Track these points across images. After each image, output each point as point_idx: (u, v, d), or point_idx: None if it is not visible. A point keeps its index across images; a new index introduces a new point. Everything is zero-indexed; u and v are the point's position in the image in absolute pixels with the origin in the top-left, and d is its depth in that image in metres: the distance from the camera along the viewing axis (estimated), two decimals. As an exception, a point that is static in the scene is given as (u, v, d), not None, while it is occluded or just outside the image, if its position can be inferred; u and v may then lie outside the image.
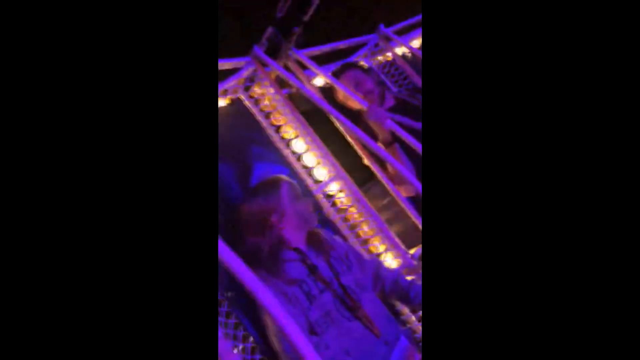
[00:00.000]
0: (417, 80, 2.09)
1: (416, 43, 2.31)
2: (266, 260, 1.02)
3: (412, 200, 1.52)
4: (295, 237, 1.10)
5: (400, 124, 1.47)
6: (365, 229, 1.44)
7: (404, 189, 1.55)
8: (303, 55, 1.63)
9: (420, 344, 1.05)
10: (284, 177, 1.18)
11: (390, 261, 1.37)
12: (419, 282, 1.23)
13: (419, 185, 1.32)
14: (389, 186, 1.52)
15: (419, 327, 1.20)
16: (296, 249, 1.08)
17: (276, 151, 1.46)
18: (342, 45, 1.96)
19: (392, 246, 1.38)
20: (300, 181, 1.43)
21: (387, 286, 1.14)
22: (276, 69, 1.54)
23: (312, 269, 1.05)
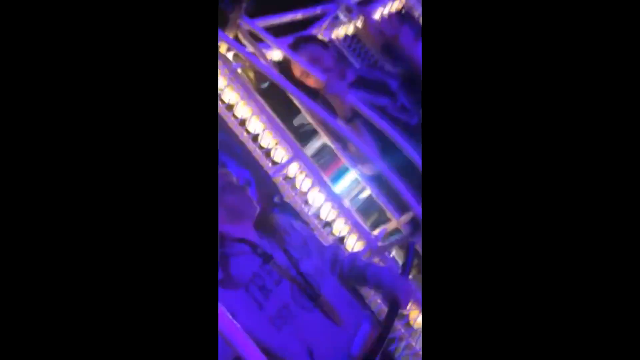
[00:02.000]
0: (381, 54, 2.02)
1: (378, 14, 2.23)
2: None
3: (374, 179, 1.47)
4: (235, 229, 1.00)
5: (362, 99, 1.39)
6: (327, 211, 1.38)
7: (367, 167, 1.50)
8: (256, 25, 1.49)
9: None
10: None
11: (354, 243, 1.33)
12: (378, 263, 1.20)
13: (380, 164, 1.27)
14: (350, 165, 1.47)
15: (383, 310, 1.18)
16: (242, 240, 0.99)
17: (229, 132, 1.35)
18: (298, 15, 1.83)
19: (356, 228, 1.33)
20: (257, 163, 1.33)
21: (345, 269, 1.09)
22: (226, 41, 1.41)
23: (266, 258, 0.97)
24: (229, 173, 1.08)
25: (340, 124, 1.36)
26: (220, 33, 1.37)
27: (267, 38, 1.49)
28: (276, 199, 1.25)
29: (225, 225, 0.99)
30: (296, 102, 1.44)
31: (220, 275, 0.93)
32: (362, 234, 1.33)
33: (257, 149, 1.37)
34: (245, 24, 1.46)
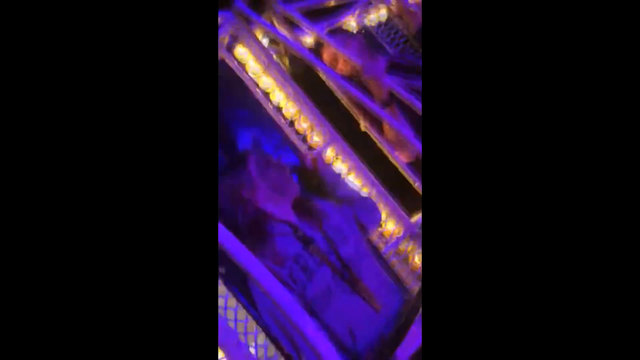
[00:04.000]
0: (415, 40, 1.97)
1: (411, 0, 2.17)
2: (249, 236, 0.94)
3: (412, 165, 1.44)
4: (278, 209, 1.02)
5: (398, 82, 1.36)
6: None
7: (404, 153, 1.47)
8: (292, 9, 1.48)
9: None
10: (250, 150, 1.10)
11: (392, 228, 1.30)
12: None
13: (420, 147, 1.23)
14: (388, 151, 1.44)
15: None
16: (286, 222, 1.00)
17: (266, 116, 1.35)
18: (331, 1, 1.81)
19: (394, 213, 1.31)
20: (294, 148, 1.33)
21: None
22: (263, 25, 1.40)
23: (307, 242, 0.97)
24: (264, 153, 1.09)
25: (376, 108, 1.34)
26: (256, 18, 1.37)
27: (302, 22, 1.48)
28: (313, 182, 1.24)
29: (267, 204, 0.99)
30: (332, 86, 1.42)
31: (267, 251, 0.94)
32: (401, 220, 1.30)
33: (294, 134, 1.37)
34: (281, 9, 1.46)
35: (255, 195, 1.00)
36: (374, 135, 1.44)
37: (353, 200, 1.15)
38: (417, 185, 1.31)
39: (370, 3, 2.02)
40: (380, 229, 1.27)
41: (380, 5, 2.01)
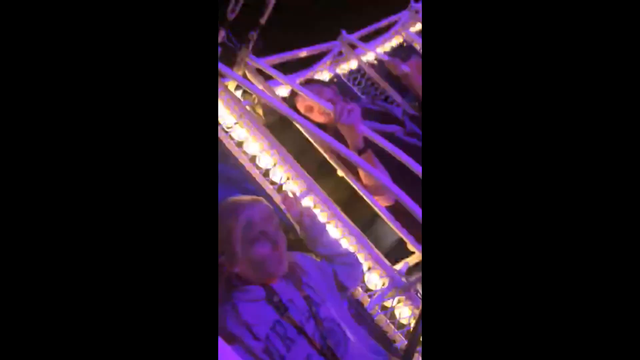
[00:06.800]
0: (387, 88, 2.03)
1: (381, 49, 2.27)
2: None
3: (391, 209, 1.41)
4: (257, 277, 0.91)
5: (372, 128, 1.36)
6: (346, 246, 1.29)
7: (383, 198, 1.44)
8: (264, 63, 1.50)
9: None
10: (248, 200, 0.92)
11: (377, 281, 1.23)
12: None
13: (398, 192, 1.21)
14: (366, 197, 1.41)
15: None
16: (262, 285, 0.90)
17: (239, 169, 1.31)
18: (303, 52, 1.86)
19: (377, 263, 1.25)
20: (268, 199, 1.27)
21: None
22: (235, 78, 1.41)
23: (283, 310, 0.87)
24: (257, 220, 0.91)
25: (352, 155, 1.32)
26: (228, 71, 1.38)
27: (275, 75, 1.49)
28: (290, 236, 1.17)
29: (247, 274, 0.90)
30: (307, 134, 1.41)
31: (234, 327, 0.84)
32: (385, 270, 1.24)
33: (269, 184, 1.32)
34: (253, 62, 1.47)
35: (233, 266, 0.89)
36: (351, 182, 1.41)
37: (333, 255, 1.07)
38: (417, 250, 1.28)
39: (341, 53, 2.09)
40: (362, 284, 1.20)
41: (352, 55, 2.09)
